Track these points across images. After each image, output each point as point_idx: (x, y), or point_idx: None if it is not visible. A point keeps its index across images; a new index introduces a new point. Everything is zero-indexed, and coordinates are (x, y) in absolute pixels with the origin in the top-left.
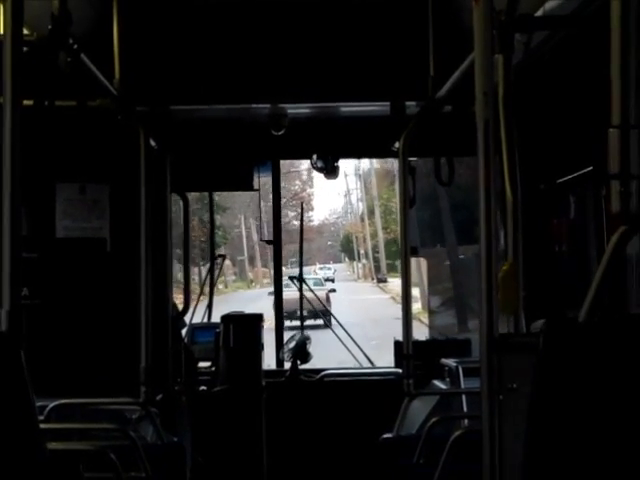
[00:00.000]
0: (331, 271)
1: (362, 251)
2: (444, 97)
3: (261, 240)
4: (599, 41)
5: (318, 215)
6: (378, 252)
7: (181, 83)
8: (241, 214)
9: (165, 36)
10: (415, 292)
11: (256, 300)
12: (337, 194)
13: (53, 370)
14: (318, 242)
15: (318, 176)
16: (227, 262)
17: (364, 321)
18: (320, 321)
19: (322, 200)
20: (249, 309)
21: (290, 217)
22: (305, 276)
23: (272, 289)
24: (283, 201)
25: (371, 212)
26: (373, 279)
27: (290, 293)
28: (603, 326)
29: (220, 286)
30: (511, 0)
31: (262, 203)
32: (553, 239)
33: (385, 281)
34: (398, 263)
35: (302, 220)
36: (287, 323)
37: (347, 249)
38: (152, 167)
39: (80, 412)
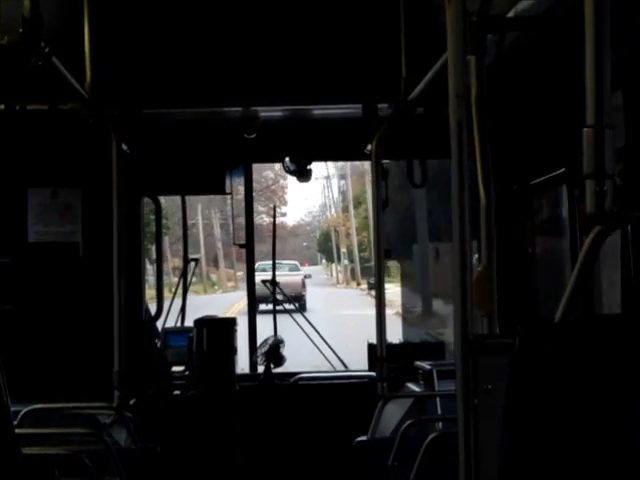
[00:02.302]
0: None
1: (344, 250)
2: (416, 99)
3: (234, 244)
4: (570, 42)
5: (293, 215)
6: (365, 250)
7: (152, 86)
8: (198, 204)
9: (136, 39)
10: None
11: (200, 312)
12: (315, 179)
13: (26, 375)
14: (292, 243)
15: None
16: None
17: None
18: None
19: (297, 195)
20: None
21: (259, 212)
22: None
23: (237, 293)
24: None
25: (358, 203)
26: (358, 284)
27: (263, 276)
28: (579, 327)
29: (167, 290)
30: (484, 1)
31: (225, 200)
32: (526, 240)
33: None
34: (391, 264)
35: (274, 223)
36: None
37: (325, 248)
38: (124, 171)
39: (53, 417)
